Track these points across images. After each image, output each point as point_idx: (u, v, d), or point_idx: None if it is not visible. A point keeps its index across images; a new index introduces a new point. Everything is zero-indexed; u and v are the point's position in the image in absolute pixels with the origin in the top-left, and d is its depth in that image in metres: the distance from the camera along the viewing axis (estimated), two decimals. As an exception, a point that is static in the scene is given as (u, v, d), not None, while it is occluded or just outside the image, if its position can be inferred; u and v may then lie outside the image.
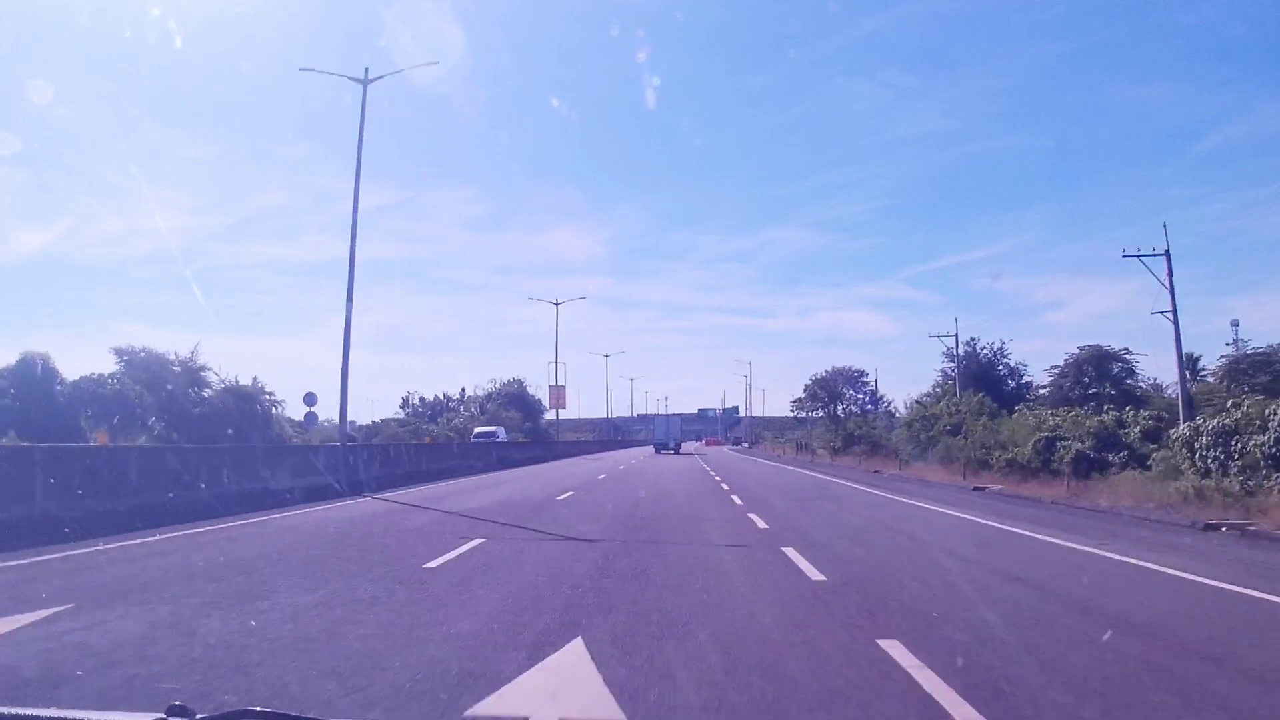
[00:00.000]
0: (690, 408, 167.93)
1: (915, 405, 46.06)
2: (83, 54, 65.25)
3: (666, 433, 78.48)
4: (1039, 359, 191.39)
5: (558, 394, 70.96)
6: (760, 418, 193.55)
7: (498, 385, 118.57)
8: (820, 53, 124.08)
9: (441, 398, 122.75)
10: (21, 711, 2.33)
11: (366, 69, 26.49)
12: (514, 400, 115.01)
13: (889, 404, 61.30)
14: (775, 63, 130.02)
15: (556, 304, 67.30)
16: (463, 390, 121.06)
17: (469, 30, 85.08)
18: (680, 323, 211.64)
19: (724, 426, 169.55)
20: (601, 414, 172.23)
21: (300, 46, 74.63)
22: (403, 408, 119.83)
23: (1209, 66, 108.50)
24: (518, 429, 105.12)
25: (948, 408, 42.29)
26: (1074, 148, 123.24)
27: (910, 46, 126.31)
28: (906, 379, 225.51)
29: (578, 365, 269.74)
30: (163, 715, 2.20)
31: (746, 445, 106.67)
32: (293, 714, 2.28)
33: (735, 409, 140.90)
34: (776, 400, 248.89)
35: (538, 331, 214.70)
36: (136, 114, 77.22)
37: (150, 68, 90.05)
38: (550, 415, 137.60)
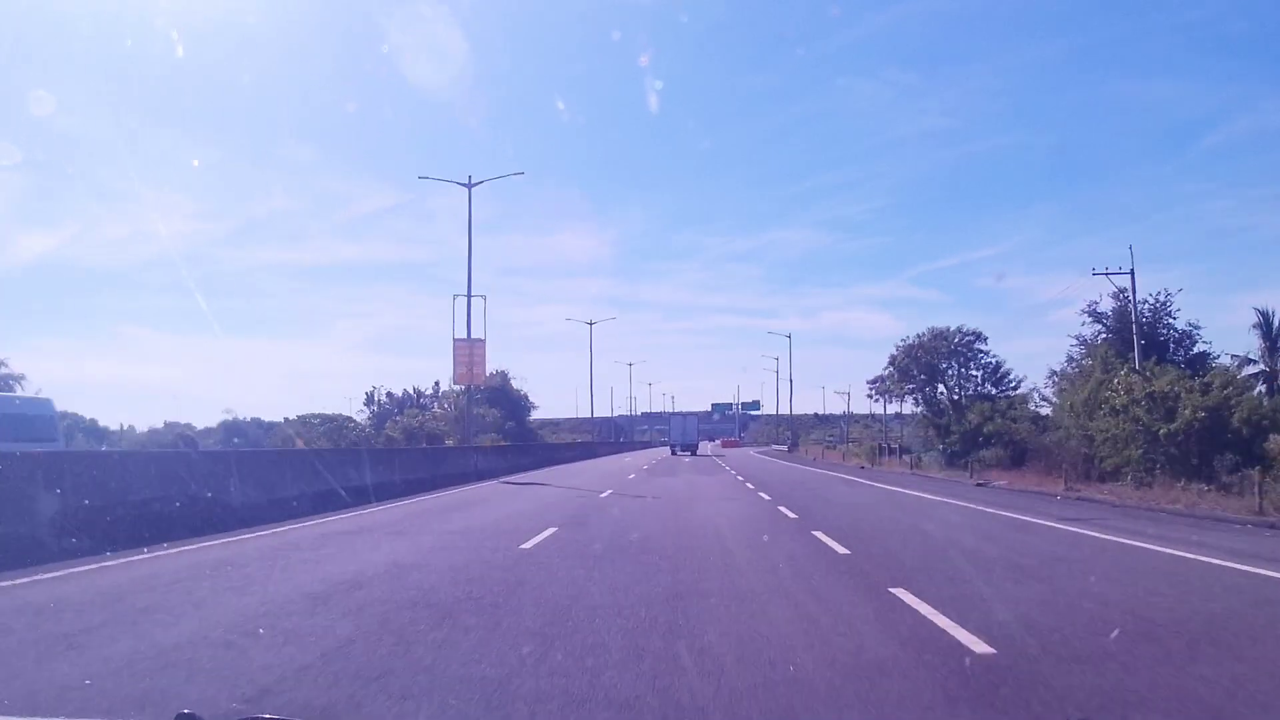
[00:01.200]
0: (697, 407, 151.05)
1: (1127, 375, 26.71)
2: (86, 60, 64.31)
3: (683, 432, 74.75)
4: (1045, 357, 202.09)
5: (468, 354, 38.07)
6: (781, 415, 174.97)
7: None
8: (821, 52, 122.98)
9: (411, 393, 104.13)
10: None
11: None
12: (494, 396, 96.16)
13: (1018, 382, 41.26)
14: (776, 62, 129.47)
15: (469, 185, 39.14)
16: (436, 384, 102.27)
17: (470, 34, 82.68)
18: (684, 324, 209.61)
19: (738, 425, 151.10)
20: (605, 415, 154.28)
21: (302, 51, 74.93)
22: (367, 404, 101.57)
23: (1211, 62, 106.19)
24: (497, 430, 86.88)
25: (1193, 385, 23.58)
26: (1076, 145, 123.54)
27: (911, 45, 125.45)
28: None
29: (577, 365, 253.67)
30: None
31: (786, 448, 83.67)
32: None
33: (756, 403, 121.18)
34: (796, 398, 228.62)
35: (544, 333, 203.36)
36: (139, 119, 77.17)
37: (153, 73, 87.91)
38: (540, 414, 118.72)
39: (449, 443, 74.35)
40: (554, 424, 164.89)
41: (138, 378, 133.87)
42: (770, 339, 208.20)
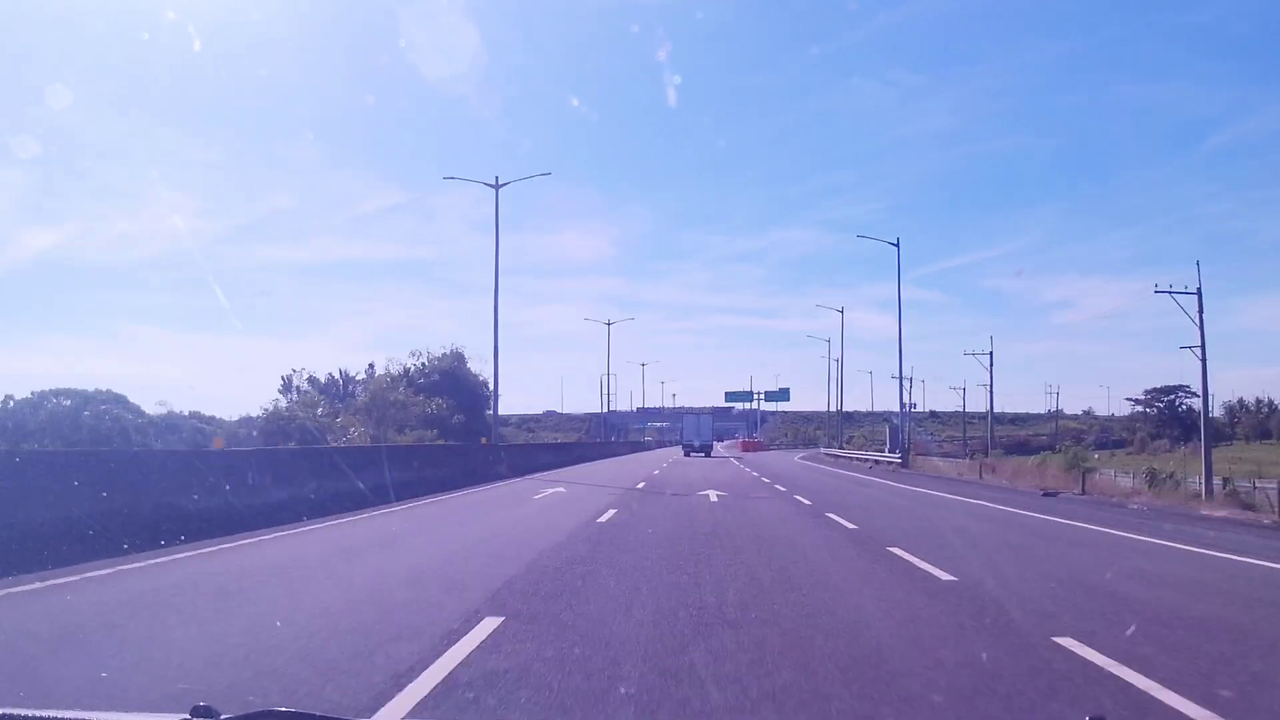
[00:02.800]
0: (699, 404, 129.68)
1: None
2: (94, 57, 60.03)
3: (696, 432, 68.74)
4: (1046, 360, 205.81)
5: None
6: (799, 413, 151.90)
7: (426, 359, 76.42)
8: (825, 53, 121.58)
9: (337, 376, 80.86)
10: (44, 714, 2.18)
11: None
12: (442, 381, 72.97)
13: None
14: (780, 63, 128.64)
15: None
16: (370, 366, 78.81)
17: (483, 31, 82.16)
18: (688, 323, 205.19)
19: (751, 423, 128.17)
20: (594, 411, 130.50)
21: (314, 47, 74.97)
22: (284, 390, 78.26)
23: (1215, 65, 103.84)
24: (438, 424, 63.91)
25: None
26: (1081, 147, 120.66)
27: (916, 46, 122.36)
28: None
29: (567, 365, 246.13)
30: (187, 716, 2.10)
31: (899, 460, 44.62)
32: (318, 714, 2.19)
33: (785, 392, 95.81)
34: (805, 395, 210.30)
35: (547, 333, 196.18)
36: (145, 117, 75.78)
37: (161, 72, 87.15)
38: (520, 409, 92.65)
39: (356, 440, 51.68)
40: (534, 420, 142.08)
41: (137, 375, 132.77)
42: (766, 341, 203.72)
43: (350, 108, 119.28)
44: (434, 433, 60.44)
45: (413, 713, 4.27)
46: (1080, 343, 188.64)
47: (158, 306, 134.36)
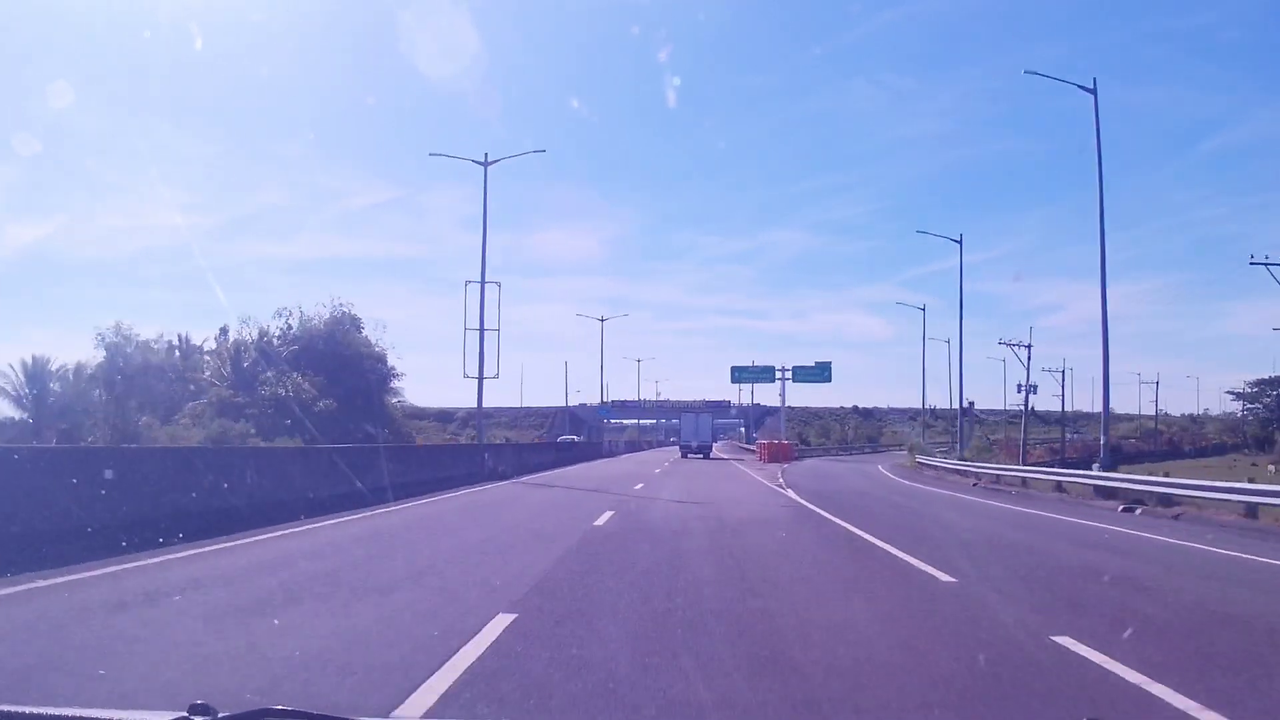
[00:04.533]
0: (689, 399, 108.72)
1: None
2: (90, 54, 63.31)
3: (695, 431, 62.23)
4: (1038, 363, 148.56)
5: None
6: (807, 409, 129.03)
7: (296, 321, 52.65)
8: (823, 54, 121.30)
9: (176, 343, 57.08)
10: (40, 711, 2.19)
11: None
12: (325, 353, 49.50)
13: None
14: (778, 63, 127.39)
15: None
16: (223, 330, 54.63)
17: (482, 30, 75.90)
18: (678, 324, 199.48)
19: (748, 421, 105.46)
20: (559, 405, 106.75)
21: (314, 47, 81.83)
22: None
23: (1209, 69, 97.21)
24: (294, 410, 41.42)
25: None
26: (1072, 151, 78.18)
27: (911, 48, 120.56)
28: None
29: (560, 364, 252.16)
30: (185, 714, 2.10)
31: None
32: (315, 712, 2.18)
33: (824, 368, 70.12)
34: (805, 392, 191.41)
35: (540, 332, 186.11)
36: (139, 112, 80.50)
37: (157, 67, 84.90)
38: (404, 395, 60.91)
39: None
40: (487, 416, 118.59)
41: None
42: (755, 343, 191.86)
43: (346, 104, 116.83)
44: (247, 427, 37.29)
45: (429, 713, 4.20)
46: (1065, 348, 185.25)
47: (151, 302, 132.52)
